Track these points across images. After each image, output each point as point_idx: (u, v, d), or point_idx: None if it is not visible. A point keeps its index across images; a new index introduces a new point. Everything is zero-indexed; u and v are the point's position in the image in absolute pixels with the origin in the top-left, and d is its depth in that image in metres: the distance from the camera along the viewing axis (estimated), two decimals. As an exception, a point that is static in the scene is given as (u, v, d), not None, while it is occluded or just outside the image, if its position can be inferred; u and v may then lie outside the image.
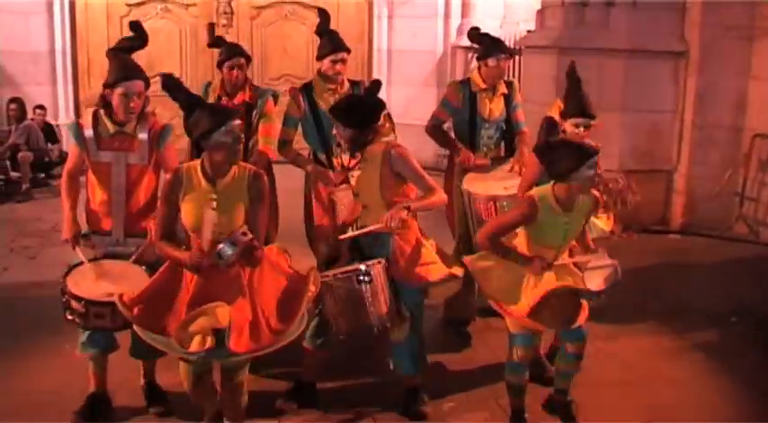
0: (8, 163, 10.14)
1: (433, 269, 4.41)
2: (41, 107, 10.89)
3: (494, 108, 5.61)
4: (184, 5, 12.09)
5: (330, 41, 5.47)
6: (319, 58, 5.53)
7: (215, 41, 5.90)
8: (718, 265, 7.33)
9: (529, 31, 9.64)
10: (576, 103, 4.79)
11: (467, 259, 4.33)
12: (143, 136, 4.23)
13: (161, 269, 3.90)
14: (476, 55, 5.85)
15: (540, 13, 9.07)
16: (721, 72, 8.32)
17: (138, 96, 4.20)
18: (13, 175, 10.11)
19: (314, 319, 4.46)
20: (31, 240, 7.94)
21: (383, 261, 4.25)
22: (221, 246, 3.59)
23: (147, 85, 4.32)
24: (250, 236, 3.64)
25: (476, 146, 5.64)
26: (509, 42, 10.02)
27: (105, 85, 4.21)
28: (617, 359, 5.34)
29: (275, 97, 5.48)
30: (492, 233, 4.11)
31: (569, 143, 4.09)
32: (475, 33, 5.72)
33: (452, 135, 5.80)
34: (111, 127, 4.22)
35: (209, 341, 3.54)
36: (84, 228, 4.39)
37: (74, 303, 4.01)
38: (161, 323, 3.72)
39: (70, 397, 4.64)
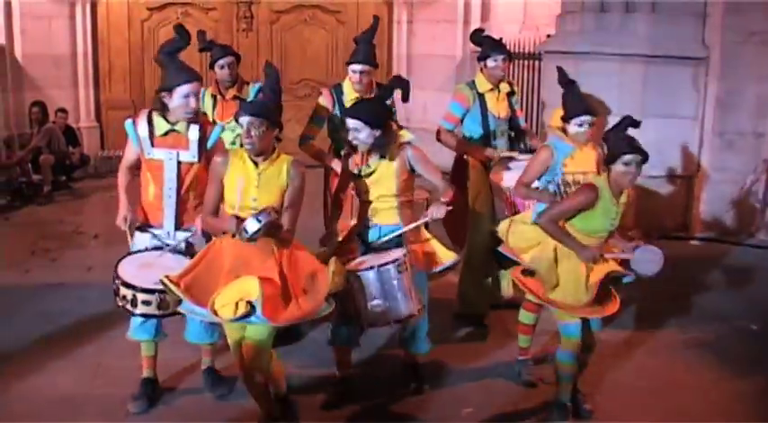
0: (30, 166, 10.22)
1: (441, 256, 4.67)
2: (63, 110, 10.97)
3: (501, 107, 5.84)
4: (205, 9, 12.16)
5: (357, 52, 5.60)
6: (347, 64, 5.67)
7: (206, 45, 6.19)
8: (738, 272, 7.27)
9: (549, 36, 9.62)
10: (578, 103, 4.92)
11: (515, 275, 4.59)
12: (194, 135, 4.42)
13: (201, 252, 4.17)
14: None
15: (560, 18, 9.05)
16: (742, 78, 8.26)
17: (196, 96, 4.40)
18: (35, 177, 10.19)
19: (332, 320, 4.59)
20: (53, 243, 7.99)
21: (405, 251, 4.39)
22: (247, 220, 3.82)
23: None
24: (276, 215, 3.90)
25: (491, 144, 5.80)
26: (529, 47, 10.02)
27: (164, 88, 4.38)
28: (635, 365, 5.32)
29: None
30: (554, 217, 4.33)
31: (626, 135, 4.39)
32: (476, 36, 5.96)
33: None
34: (163, 126, 4.41)
35: (242, 309, 3.80)
36: (139, 220, 4.63)
37: (123, 290, 4.18)
38: (205, 296, 3.94)
39: (87, 399, 4.69)
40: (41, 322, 5.80)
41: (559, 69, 5.27)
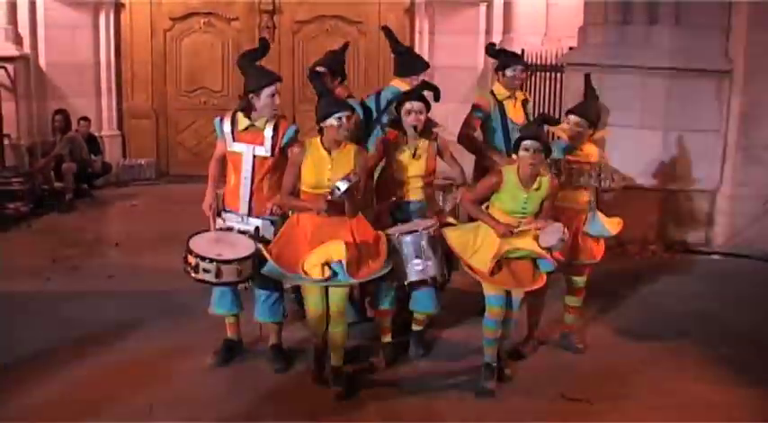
0: (52, 173, 10.29)
1: None
2: (85, 119, 11.04)
3: (518, 114, 6.21)
4: (227, 20, 12.20)
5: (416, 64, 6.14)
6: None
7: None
8: (762, 288, 7.20)
9: (571, 48, 9.60)
10: (584, 106, 5.60)
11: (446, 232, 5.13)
12: (269, 132, 5.02)
13: (286, 224, 5.00)
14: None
15: (582, 30, 9.02)
16: (766, 91, 8.20)
17: (279, 94, 5.05)
18: (57, 185, 10.25)
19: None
20: (74, 250, 8.02)
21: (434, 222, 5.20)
22: (337, 182, 4.62)
23: None
24: (357, 177, 4.72)
25: (509, 147, 5.91)
26: (551, 59, 10.00)
27: (252, 90, 4.98)
28: (659, 384, 5.23)
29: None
30: (472, 198, 5.05)
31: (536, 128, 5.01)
32: (492, 49, 6.44)
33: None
34: (244, 122, 5.03)
35: (328, 271, 4.66)
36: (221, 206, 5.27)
37: (189, 258, 4.84)
38: (291, 263, 4.78)
39: (106, 405, 4.70)
40: (61, 329, 5.81)
41: (586, 76, 5.89)
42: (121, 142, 12.15)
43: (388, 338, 5.47)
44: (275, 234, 5.02)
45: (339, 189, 4.62)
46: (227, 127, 5.07)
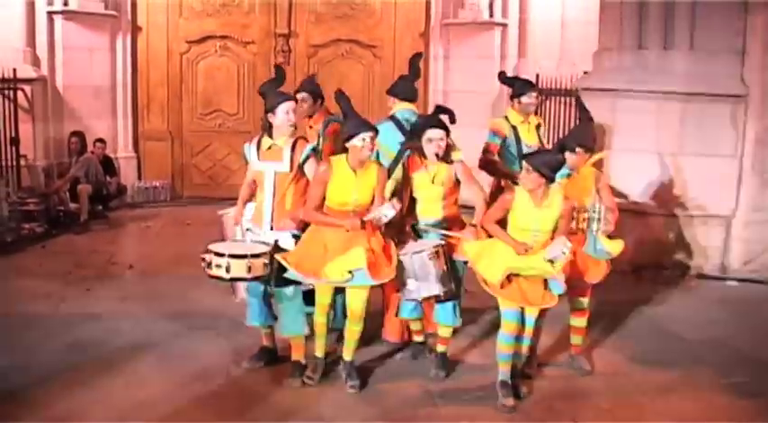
0: (67, 194, 10.33)
1: None
2: (101, 140, 11.10)
3: (531, 137, 6.60)
4: (243, 43, 12.29)
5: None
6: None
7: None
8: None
9: (586, 73, 9.60)
10: (579, 132, 5.84)
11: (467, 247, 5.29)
12: (287, 149, 5.32)
13: (305, 234, 5.27)
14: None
15: (597, 54, 9.02)
16: (782, 116, 8.18)
17: (294, 112, 5.37)
18: (72, 206, 10.29)
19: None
20: (88, 272, 8.04)
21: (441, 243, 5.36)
22: (384, 208, 5.02)
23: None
24: (401, 205, 5.17)
25: None
26: (565, 83, 10.00)
27: (269, 110, 5.34)
28: (675, 412, 5.15)
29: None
30: (489, 216, 5.20)
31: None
32: (505, 77, 7.01)
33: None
34: (267, 142, 5.37)
35: (347, 274, 4.99)
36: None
37: (205, 256, 5.12)
38: (311, 270, 5.08)
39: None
40: (74, 352, 5.82)
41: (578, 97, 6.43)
42: (137, 164, 12.20)
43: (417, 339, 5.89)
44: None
45: (386, 216, 5.01)
46: (252, 149, 5.42)
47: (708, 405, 5.27)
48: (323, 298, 5.33)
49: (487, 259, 5.09)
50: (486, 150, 6.49)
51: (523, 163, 5.06)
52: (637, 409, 5.13)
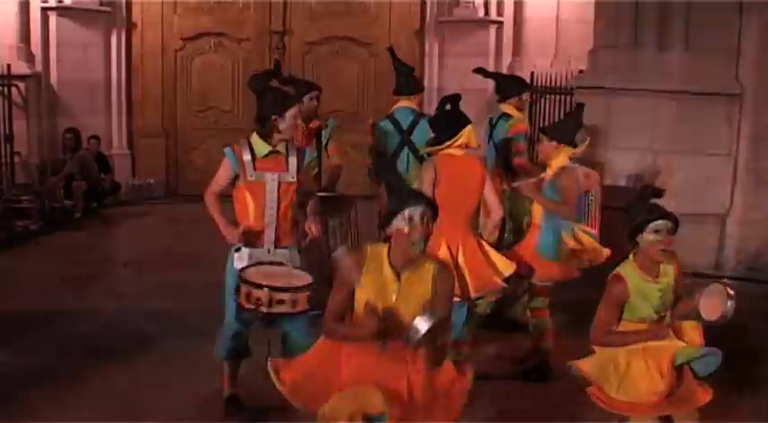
0: (62, 191, 10.32)
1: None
2: (96, 137, 11.09)
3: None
4: (238, 40, 12.27)
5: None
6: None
7: (288, 78, 6.53)
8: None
9: (581, 71, 9.60)
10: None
11: (583, 367, 4.15)
12: (293, 156, 4.74)
13: (317, 345, 3.77)
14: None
15: (593, 53, 9.03)
16: (777, 114, 8.20)
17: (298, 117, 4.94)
18: (67, 203, 10.27)
19: None
20: (82, 269, 8.01)
21: None
22: (416, 319, 3.35)
23: None
24: (443, 314, 3.51)
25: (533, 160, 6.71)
26: (560, 82, 10.00)
27: (276, 112, 4.64)
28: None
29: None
30: (601, 330, 4.01)
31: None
32: (487, 72, 7.05)
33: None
34: (264, 148, 4.67)
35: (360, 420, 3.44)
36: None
37: (256, 292, 4.19)
38: (311, 398, 3.59)
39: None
40: (68, 349, 5.81)
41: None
42: (131, 161, 12.18)
43: None
44: (302, 261, 4.65)
45: (418, 331, 3.33)
46: (246, 156, 4.64)
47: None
48: None
49: (614, 373, 3.98)
50: (518, 152, 6.34)
51: (659, 223, 3.93)
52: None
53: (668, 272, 4.05)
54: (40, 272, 7.89)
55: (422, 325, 3.30)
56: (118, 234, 10.14)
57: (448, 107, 5.28)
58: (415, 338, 3.32)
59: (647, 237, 3.94)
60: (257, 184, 4.64)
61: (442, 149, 5.11)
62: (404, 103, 6.28)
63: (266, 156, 4.66)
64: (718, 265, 8.39)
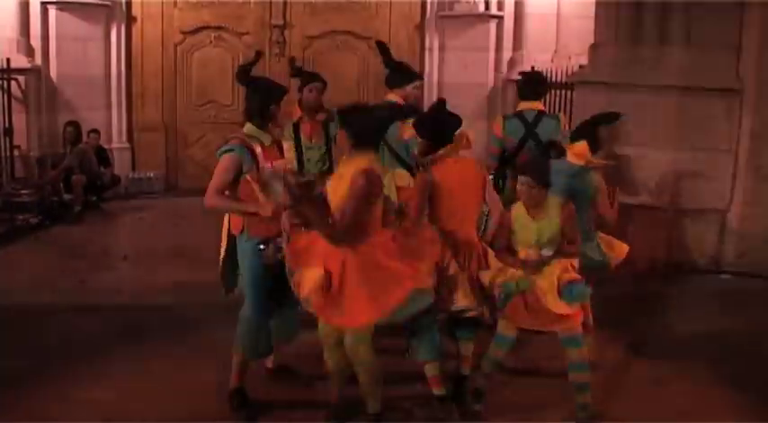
0: (61, 185, 10.31)
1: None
2: (95, 131, 11.08)
3: None
4: (238, 34, 12.26)
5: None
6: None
7: (296, 72, 6.74)
8: (771, 308, 7.15)
9: (581, 66, 9.59)
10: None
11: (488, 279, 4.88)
12: (286, 141, 5.05)
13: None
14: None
15: (593, 48, 9.01)
16: (777, 110, 8.18)
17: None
18: (66, 197, 10.27)
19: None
20: (81, 263, 8.02)
21: None
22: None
23: None
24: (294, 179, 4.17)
25: None
26: (561, 76, 10.00)
27: (273, 101, 4.71)
28: (670, 405, 5.17)
29: None
30: (497, 244, 4.88)
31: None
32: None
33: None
34: (267, 138, 4.74)
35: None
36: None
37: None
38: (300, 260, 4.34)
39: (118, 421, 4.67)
40: (67, 343, 5.81)
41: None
42: (131, 155, 12.18)
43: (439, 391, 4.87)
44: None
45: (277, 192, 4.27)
46: (258, 148, 4.65)
47: (702, 398, 5.29)
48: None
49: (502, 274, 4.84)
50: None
51: (521, 178, 4.76)
52: (632, 402, 5.13)
53: (552, 210, 4.75)
54: (39, 265, 7.89)
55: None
56: (117, 228, 10.13)
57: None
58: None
59: (517, 185, 4.82)
60: (271, 176, 4.64)
61: (443, 156, 4.95)
62: (389, 96, 6.24)
63: (269, 146, 4.72)
64: (718, 261, 8.38)
